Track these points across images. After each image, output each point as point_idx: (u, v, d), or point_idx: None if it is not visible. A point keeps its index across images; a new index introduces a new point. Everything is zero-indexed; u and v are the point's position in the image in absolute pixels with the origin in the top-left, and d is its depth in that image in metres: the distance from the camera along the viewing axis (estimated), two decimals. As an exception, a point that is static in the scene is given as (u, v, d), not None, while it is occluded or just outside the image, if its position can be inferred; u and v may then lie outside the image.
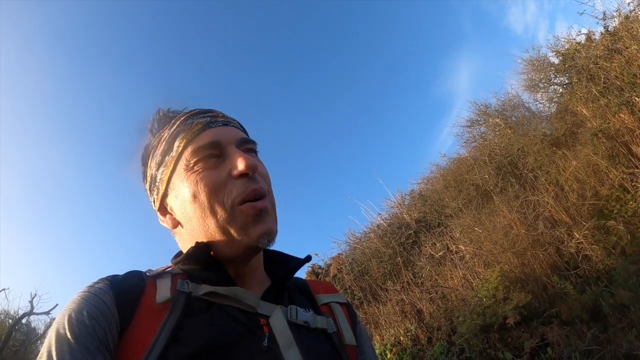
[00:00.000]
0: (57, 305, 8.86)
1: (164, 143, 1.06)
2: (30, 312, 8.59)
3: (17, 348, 7.83)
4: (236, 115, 1.20)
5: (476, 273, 6.47)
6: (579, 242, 5.34)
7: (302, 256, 1.16)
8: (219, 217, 0.96)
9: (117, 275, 0.97)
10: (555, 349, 4.54)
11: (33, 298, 8.57)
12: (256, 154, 1.10)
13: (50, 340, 0.79)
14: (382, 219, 10.36)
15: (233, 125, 1.10)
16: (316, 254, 11.18)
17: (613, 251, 4.96)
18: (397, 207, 10.29)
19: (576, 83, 6.93)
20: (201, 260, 0.98)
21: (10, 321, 8.38)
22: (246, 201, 0.95)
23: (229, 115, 1.17)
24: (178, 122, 1.07)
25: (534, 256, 5.63)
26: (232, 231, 0.96)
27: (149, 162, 1.11)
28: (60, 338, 0.79)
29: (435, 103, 21.41)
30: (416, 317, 7.01)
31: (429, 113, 21.51)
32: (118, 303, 0.86)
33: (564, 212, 5.82)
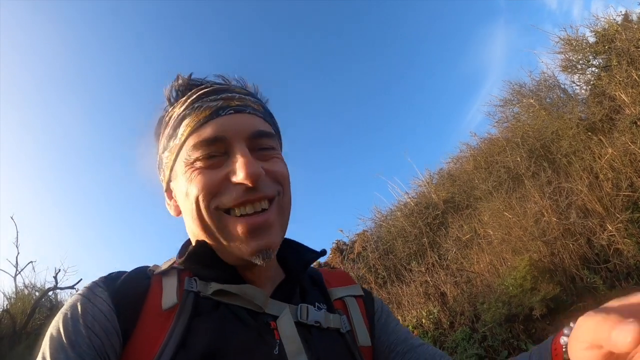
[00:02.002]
0: (81, 279, 8.99)
1: (171, 124, 0.98)
2: (55, 287, 8.69)
3: (42, 322, 7.97)
4: (266, 87, 1.08)
5: (503, 259, 6.35)
6: (611, 235, 5.18)
7: (318, 248, 1.12)
8: (206, 222, 0.90)
9: (119, 275, 0.92)
10: (580, 345, 4.45)
11: (57, 273, 8.65)
12: (274, 149, 0.98)
13: (45, 345, 0.76)
14: (410, 198, 10.28)
15: (250, 112, 0.96)
16: (341, 230, 11.19)
17: (647, 247, 4.81)
18: (425, 186, 10.17)
19: (616, 66, 6.64)
20: (203, 260, 0.94)
21: (36, 294, 8.52)
22: (240, 214, 0.88)
23: (251, 93, 1.05)
24: (188, 102, 0.97)
25: (564, 246, 5.50)
26: (222, 240, 0.91)
27: (160, 139, 1.04)
28: (55, 344, 0.76)
29: (466, 77, 20.93)
30: (439, 300, 6.96)
31: (459, 87, 21.08)
32: (118, 311, 0.82)
33: (598, 202, 5.64)
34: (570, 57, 7.69)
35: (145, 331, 0.80)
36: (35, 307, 7.86)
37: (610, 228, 5.17)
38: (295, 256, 1.09)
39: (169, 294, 0.87)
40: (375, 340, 1.07)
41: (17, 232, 9.15)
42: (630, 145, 5.68)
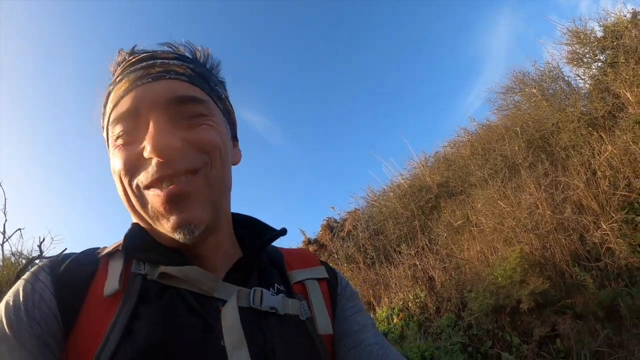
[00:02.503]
0: (65, 249, 8.87)
1: (103, 102, 0.94)
2: (40, 256, 8.63)
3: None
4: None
5: (494, 249, 6.34)
6: (604, 233, 5.16)
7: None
8: (132, 202, 0.86)
9: (65, 259, 0.86)
10: (565, 342, 4.47)
11: (42, 242, 8.56)
12: (203, 116, 0.88)
13: None
14: (403, 179, 10.24)
15: (171, 77, 0.87)
16: (332, 208, 11.17)
17: (639, 249, 4.79)
18: (420, 168, 10.13)
19: (623, 63, 6.54)
20: (140, 244, 0.87)
21: (23, 261, 8.47)
22: (152, 187, 0.82)
23: (181, 56, 0.95)
24: (115, 74, 0.92)
25: (556, 240, 5.48)
26: (149, 219, 0.86)
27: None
28: None
29: (467, 62, 20.68)
30: (427, 284, 6.98)
31: (459, 71, 20.84)
32: (59, 297, 0.77)
33: (593, 199, 5.61)
34: (577, 50, 7.58)
35: (88, 318, 0.76)
36: (19, 275, 7.79)
37: (604, 226, 5.15)
38: (252, 234, 1.03)
39: (112, 280, 0.80)
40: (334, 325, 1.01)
41: (4, 198, 9.04)
42: (631, 145, 5.63)
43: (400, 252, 8.18)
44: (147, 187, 0.82)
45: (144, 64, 0.88)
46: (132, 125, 0.84)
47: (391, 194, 9.97)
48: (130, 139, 0.83)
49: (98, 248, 0.92)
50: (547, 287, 4.94)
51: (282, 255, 1.09)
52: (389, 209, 9.42)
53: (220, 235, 0.95)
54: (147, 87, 0.84)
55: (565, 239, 5.43)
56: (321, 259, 1.16)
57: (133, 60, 0.90)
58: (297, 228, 11.38)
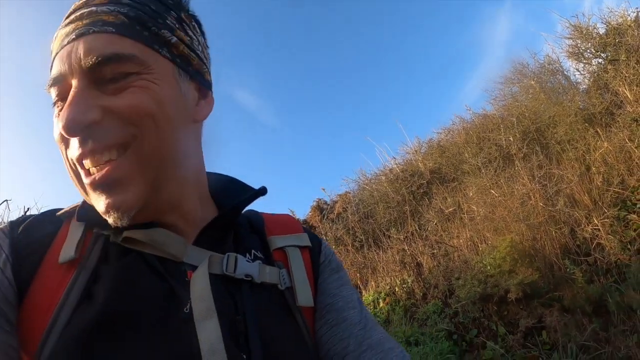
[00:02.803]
0: None
1: None
2: None
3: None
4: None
5: (484, 237, 6.37)
6: (595, 229, 5.18)
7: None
8: (70, 173, 0.78)
9: (25, 220, 0.81)
10: (551, 335, 4.50)
11: (27, 212, 8.48)
12: (134, 75, 0.72)
13: None
14: (396, 164, 10.20)
15: (95, 30, 0.71)
16: (323, 189, 11.14)
17: (629, 247, 4.83)
18: (413, 153, 10.09)
19: (624, 61, 6.54)
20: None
21: None
22: (79, 164, 0.73)
23: None
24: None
25: (547, 232, 5.50)
26: (85, 194, 0.77)
27: None
28: None
29: (466, 51, 20.52)
30: (415, 270, 7.01)
31: (458, 60, 20.69)
32: (15, 261, 0.72)
33: (586, 194, 5.63)
34: (579, 45, 7.56)
35: (43, 282, 0.71)
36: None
37: (596, 222, 5.17)
38: (229, 195, 0.96)
39: (69, 246, 0.75)
40: (316, 297, 0.94)
41: (-8, 170, 8.88)
42: (627, 143, 5.65)
43: (389, 237, 8.19)
44: (77, 162, 0.73)
45: (74, 15, 0.75)
46: (62, 91, 0.73)
47: (383, 178, 9.93)
48: (62, 107, 0.72)
49: (61, 209, 0.85)
50: (536, 278, 4.97)
51: (263, 220, 1.02)
52: (380, 192, 9.39)
53: (185, 203, 0.84)
54: (70, 46, 0.71)
55: (556, 232, 5.46)
56: (304, 226, 1.07)
57: (71, 9, 0.77)
58: (287, 208, 11.37)
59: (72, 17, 0.74)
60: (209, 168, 0.96)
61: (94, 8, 0.73)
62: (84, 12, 0.73)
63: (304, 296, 0.88)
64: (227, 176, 1.04)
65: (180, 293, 0.73)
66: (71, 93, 0.69)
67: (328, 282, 0.97)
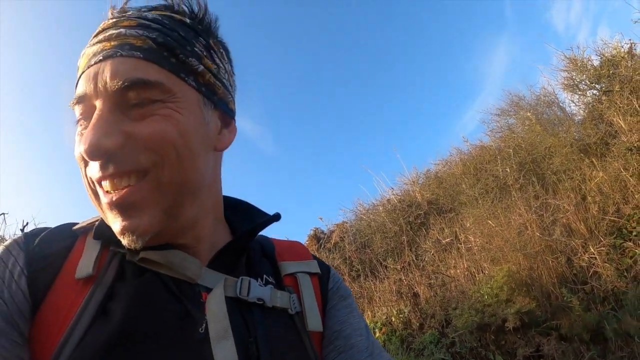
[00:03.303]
0: None
1: None
2: None
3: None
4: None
5: (481, 267, 6.35)
6: (592, 257, 5.19)
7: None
8: (88, 192, 0.77)
9: (40, 233, 0.81)
10: (549, 363, 4.47)
11: (25, 226, 8.45)
12: (159, 102, 0.72)
13: None
14: (394, 194, 10.22)
15: (123, 54, 0.72)
16: (321, 218, 11.11)
17: (625, 274, 4.82)
18: (411, 184, 10.12)
19: (617, 92, 6.64)
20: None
21: None
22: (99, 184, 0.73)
23: (145, 21, 0.76)
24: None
25: (544, 262, 5.49)
26: (102, 213, 0.77)
27: None
28: None
29: (464, 83, 20.75)
30: (412, 300, 6.95)
31: (456, 92, 20.90)
32: (30, 274, 0.72)
33: (582, 223, 5.64)
34: (574, 77, 7.68)
35: (58, 297, 0.71)
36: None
37: (592, 250, 5.18)
38: (243, 219, 0.97)
39: (86, 262, 0.75)
40: (324, 323, 0.95)
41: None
42: (622, 172, 5.69)
43: (386, 267, 8.14)
44: (97, 182, 0.73)
45: (102, 36, 0.75)
46: (86, 110, 0.74)
47: (380, 208, 9.94)
48: (86, 126, 0.73)
49: (76, 223, 0.86)
50: (533, 307, 4.95)
51: (274, 246, 1.03)
52: (377, 222, 9.38)
53: (200, 228, 0.85)
54: (96, 67, 0.72)
55: (552, 261, 5.45)
56: (313, 254, 1.10)
57: (98, 30, 0.78)
58: (284, 236, 11.29)
59: (101, 37, 0.75)
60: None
61: (122, 30, 0.74)
62: (113, 34, 0.73)
63: (314, 321, 0.89)
64: (243, 201, 1.05)
65: (195, 314, 0.74)
66: (95, 115, 0.70)
67: (337, 308, 0.99)
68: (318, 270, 1.01)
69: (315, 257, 1.07)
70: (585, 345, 4.37)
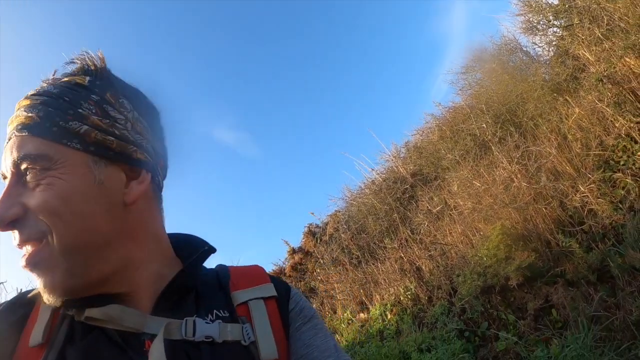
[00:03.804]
0: None
1: None
2: None
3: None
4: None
5: (476, 229, 6.25)
6: (584, 196, 5.08)
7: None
8: None
9: (2, 304, 0.86)
10: (561, 312, 4.36)
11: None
12: (43, 170, 0.76)
13: None
14: (377, 174, 10.14)
15: (18, 132, 0.78)
16: (312, 213, 11.06)
17: (620, 206, 4.71)
18: (393, 160, 10.03)
19: (577, 24, 6.51)
20: None
21: None
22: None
23: (39, 93, 0.81)
24: None
25: (537, 211, 5.38)
26: None
27: None
28: None
29: (429, 48, 20.66)
30: (415, 275, 6.87)
31: (422, 59, 20.82)
32: None
33: (568, 164, 5.54)
34: (531, 19, 7.56)
35: None
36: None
37: (583, 189, 5.07)
38: (188, 254, 0.97)
39: (37, 330, 0.77)
40: (289, 347, 0.93)
41: (-18, 253, 8.83)
42: (597, 104, 5.57)
43: (384, 247, 8.08)
44: (18, 248, 0.78)
45: (13, 116, 0.82)
46: None
47: (367, 191, 9.87)
48: None
49: (32, 290, 0.88)
50: (534, 259, 4.84)
51: (229, 276, 1.01)
52: (367, 205, 9.31)
53: (138, 276, 0.86)
54: (5, 148, 0.80)
55: (545, 208, 5.35)
56: (272, 275, 1.07)
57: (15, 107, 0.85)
58: (280, 239, 11.24)
59: (12, 116, 0.82)
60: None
61: (19, 112, 0.80)
62: (14, 116, 0.81)
63: (267, 349, 0.87)
64: (185, 235, 1.05)
65: None
66: (3, 190, 0.77)
67: (301, 331, 0.97)
68: (274, 293, 0.98)
69: (273, 279, 1.04)
70: (592, 286, 4.27)
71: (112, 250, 0.81)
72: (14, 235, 0.76)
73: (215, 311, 0.89)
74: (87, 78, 0.85)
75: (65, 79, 0.84)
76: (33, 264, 0.75)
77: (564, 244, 4.82)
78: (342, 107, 21.38)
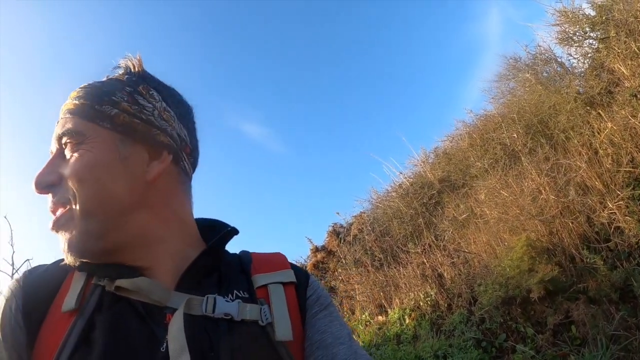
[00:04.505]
0: None
1: None
2: None
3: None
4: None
5: (501, 239, 6.20)
6: (611, 212, 5.00)
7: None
8: None
9: (38, 269, 0.93)
10: (580, 328, 4.32)
11: None
12: (78, 144, 0.89)
13: None
14: (405, 177, 10.12)
15: (64, 116, 0.93)
16: (338, 213, 11.09)
17: (649, 225, 4.64)
18: (421, 165, 10.00)
19: (614, 37, 6.39)
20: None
21: None
22: None
23: (81, 90, 0.95)
24: None
25: (563, 225, 5.33)
26: None
27: None
28: None
29: (462, 53, 20.46)
30: (437, 281, 6.85)
31: (455, 64, 20.62)
32: (25, 307, 0.83)
33: (597, 179, 5.45)
34: (567, 29, 7.45)
35: (49, 329, 0.80)
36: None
37: (611, 205, 4.99)
38: (212, 237, 1.02)
39: (71, 296, 0.85)
40: (305, 333, 0.97)
41: (11, 231, 9.06)
42: (630, 119, 5.47)
43: (407, 252, 8.06)
44: (51, 212, 0.90)
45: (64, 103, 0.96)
46: None
47: (394, 194, 9.86)
48: None
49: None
50: (557, 273, 4.80)
51: (251, 260, 1.06)
52: (392, 209, 9.30)
53: (161, 251, 0.94)
54: (56, 127, 0.93)
55: (572, 222, 5.28)
56: (293, 263, 1.11)
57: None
58: (304, 237, 11.31)
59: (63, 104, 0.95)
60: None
61: (68, 100, 0.94)
62: (65, 102, 0.94)
63: (282, 330, 0.90)
64: (210, 220, 1.12)
65: (159, 334, 0.80)
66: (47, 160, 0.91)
67: (317, 317, 1.00)
68: (293, 279, 1.03)
69: (294, 266, 1.09)
70: (614, 305, 4.22)
71: (128, 220, 0.90)
72: (48, 199, 0.88)
73: (235, 291, 0.94)
74: (126, 76, 0.98)
75: (109, 76, 0.99)
76: (58, 225, 0.86)
77: (588, 260, 4.77)
78: (372, 108, 21.33)
